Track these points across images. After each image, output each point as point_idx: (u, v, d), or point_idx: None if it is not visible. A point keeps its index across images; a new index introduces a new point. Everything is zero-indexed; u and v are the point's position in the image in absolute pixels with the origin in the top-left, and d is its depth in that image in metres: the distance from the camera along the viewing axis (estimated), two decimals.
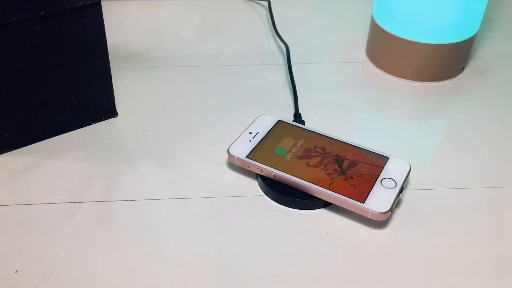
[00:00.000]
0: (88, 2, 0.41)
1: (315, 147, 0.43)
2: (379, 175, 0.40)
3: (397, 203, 0.40)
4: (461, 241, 0.38)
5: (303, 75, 0.56)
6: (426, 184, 0.43)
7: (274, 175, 0.40)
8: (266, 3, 0.70)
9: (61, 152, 0.45)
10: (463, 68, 0.57)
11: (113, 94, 0.48)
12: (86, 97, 0.46)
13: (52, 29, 0.41)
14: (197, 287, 0.34)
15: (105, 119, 0.49)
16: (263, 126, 0.45)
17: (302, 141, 0.43)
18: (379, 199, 0.38)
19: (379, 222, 0.39)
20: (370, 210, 0.37)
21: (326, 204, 0.40)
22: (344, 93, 0.53)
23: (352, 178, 0.40)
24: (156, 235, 0.38)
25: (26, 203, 0.40)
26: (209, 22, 0.66)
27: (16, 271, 0.35)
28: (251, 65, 0.58)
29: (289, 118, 0.49)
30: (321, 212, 0.40)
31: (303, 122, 0.48)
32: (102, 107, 0.48)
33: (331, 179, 0.39)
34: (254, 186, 0.42)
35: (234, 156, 0.42)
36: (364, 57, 0.60)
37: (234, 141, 0.43)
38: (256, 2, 0.71)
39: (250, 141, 0.43)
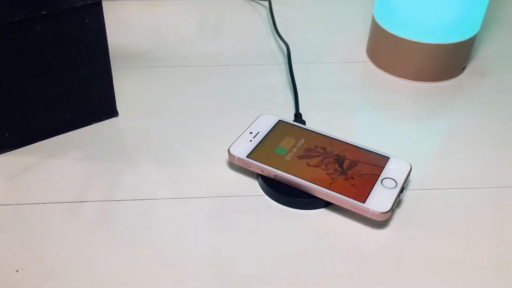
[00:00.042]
0: (89, 2, 0.41)
1: (316, 147, 0.43)
2: (379, 175, 0.40)
3: (397, 203, 0.40)
4: (461, 241, 0.38)
5: (303, 75, 0.56)
6: (427, 184, 0.42)
7: (274, 175, 0.40)
8: (266, 3, 0.70)
9: (62, 151, 0.45)
10: (463, 68, 0.57)
11: (114, 93, 0.48)
12: (87, 97, 0.46)
13: (52, 28, 0.41)
14: (197, 287, 0.34)
15: (106, 118, 0.49)
16: (264, 126, 0.45)
17: (302, 141, 0.43)
18: (379, 199, 0.38)
19: (380, 222, 0.39)
20: (371, 210, 0.37)
21: (326, 204, 0.40)
22: (345, 93, 0.53)
23: (352, 178, 0.40)
24: (157, 235, 0.38)
25: (27, 202, 0.40)
26: (210, 22, 0.66)
27: (17, 271, 0.35)
28: (251, 65, 0.58)
29: (289, 118, 0.49)
30: (321, 212, 0.40)
31: (303, 122, 0.48)
32: (103, 106, 0.48)
33: (332, 179, 0.39)
34: (254, 186, 0.42)
35: (234, 156, 0.42)
36: (365, 57, 0.60)
37: (235, 141, 0.43)
38: (256, 2, 0.71)
39: (251, 141, 0.43)
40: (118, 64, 0.57)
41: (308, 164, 0.41)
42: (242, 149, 0.42)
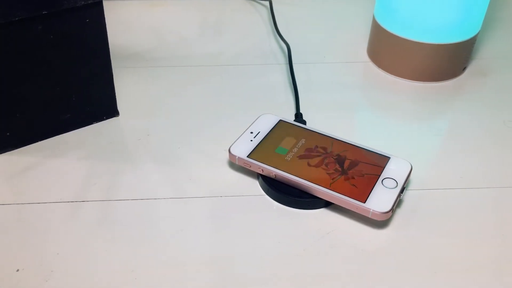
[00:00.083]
0: (89, 2, 0.41)
1: (316, 146, 0.43)
2: (380, 175, 0.40)
3: (398, 203, 0.40)
4: (462, 241, 0.38)
5: (304, 75, 0.56)
6: (427, 184, 0.42)
7: (275, 175, 0.40)
8: (267, 3, 0.70)
9: (62, 151, 0.45)
10: (464, 68, 0.57)
11: (114, 93, 0.48)
12: (87, 97, 0.46)
13: (53, 28, 0.41)
14: (197, 287, 0.34)
15: (106, 118, 0.49)
16: (264, 125, 0.45)
17: (303, 140, 0.43)
18: (380, 199, 0.38)
19: (380, 222, 0.39)
20: (371, 210, 0.37)
21: (327, 204, 0.40)
22: (346, 93, 0.53)
23: (353, 178, 0.40)
24: (157, 235, 0.38)
25: (27, 202, 0.40)
26: (210, 21, 0.67)
27: (17, 270, 0.35)
28: (252, 65, 0.58)
29: (290, 117, 0.49)
30: (322, 212, 0.40)
31: (304, 122, 0.48)
32: (103, 106, 0.48)
33: (332, 179, 0.39)
34: (255, 185, 0.42)
35: (235, 156, 0.42)
36: (366, 57, 0.60)
37: (235, 141, 0.43)
38: (257, 2, 0.71)
39: (251, 140, 0.43)
40: (119, 64, 0.57)
41: (308, 164, 0.41)
42: (242, 149, 0.42)
